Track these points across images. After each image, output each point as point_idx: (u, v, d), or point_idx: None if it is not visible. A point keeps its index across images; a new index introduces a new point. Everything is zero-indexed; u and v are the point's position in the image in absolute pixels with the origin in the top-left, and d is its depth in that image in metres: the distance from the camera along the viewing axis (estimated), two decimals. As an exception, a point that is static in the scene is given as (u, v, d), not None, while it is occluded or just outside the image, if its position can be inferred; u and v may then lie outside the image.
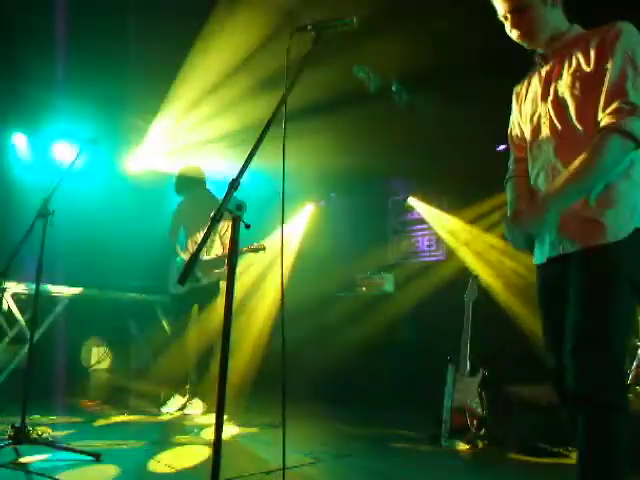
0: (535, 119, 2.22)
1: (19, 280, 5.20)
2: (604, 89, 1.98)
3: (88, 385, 6.33)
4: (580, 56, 2.08)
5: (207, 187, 5.60)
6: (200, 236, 5.37)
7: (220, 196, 1.79)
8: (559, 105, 2.11)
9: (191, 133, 6.44)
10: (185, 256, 5.40)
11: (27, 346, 4.05)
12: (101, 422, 4.59)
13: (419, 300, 6.26)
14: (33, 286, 3.70)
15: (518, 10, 2.14)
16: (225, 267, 5.26)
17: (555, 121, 2.12)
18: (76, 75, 5.37)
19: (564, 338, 1.97)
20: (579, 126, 2.04)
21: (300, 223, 8.01)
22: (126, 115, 6.42)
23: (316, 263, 7.41)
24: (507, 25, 2.20)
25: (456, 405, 4.12)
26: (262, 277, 7.17)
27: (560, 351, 1.99)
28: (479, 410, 4.07)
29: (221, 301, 5.13)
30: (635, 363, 4.45)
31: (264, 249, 5.10)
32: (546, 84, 2.19)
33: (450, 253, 6.90)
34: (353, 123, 5.88)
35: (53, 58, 5.12)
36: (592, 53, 2.04)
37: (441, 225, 7.06)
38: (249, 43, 5.07)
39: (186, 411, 5.11)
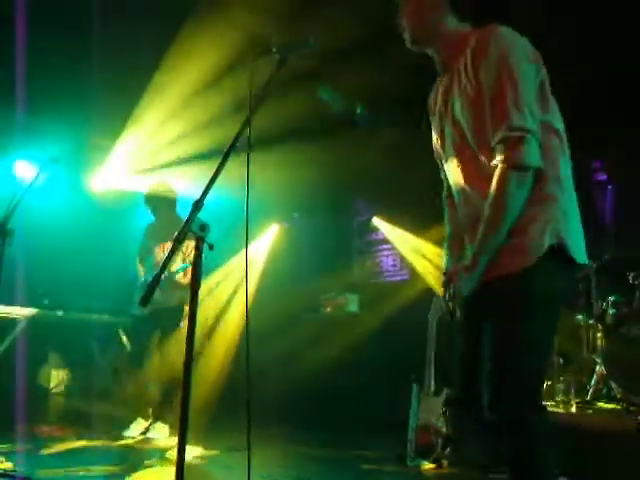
0: (443, 139, 2.12)
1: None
2: (488, 113, 1.89)
3: (48, 409, 6.16)
4: (463, 72, 1.97)
5: (176, 210, 5.47)
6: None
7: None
8: (458, 129, 2.01)
9: (156, 153, 6.41)
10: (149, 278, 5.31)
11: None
12: (61, 448, 4.46)
13: (384, 320, 6.28)
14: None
15: (402, 4, 2.09)
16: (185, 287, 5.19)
17: (458, 145, 2.03)
18: (40, 93, 5.31)
19: (477, 361, 1.93)
20: (478, 152, 1.96)
21: (264, 244, 7.98)
22: (90, 134, 6.35)
23: (281, 284, 7.37)
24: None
25: (421, 424, 4.13)
26: (227, 298, 7.10)
27: (469, 378, 1.99)
28: (444, 429, 4.08)
29: (185, 324, 5.06)
30: (594, 379, 4.54)
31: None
32: (445, 102, 2.08)
33: (414, 273, 6.95)
34: (318, 144, 5.92)
35: (14, 76, 5.06)
36: (469, 68, 1.94)
37: (405, 245, 7.11)
38: (216, 64, 5.09)
39: (149, 435, 5.01)
